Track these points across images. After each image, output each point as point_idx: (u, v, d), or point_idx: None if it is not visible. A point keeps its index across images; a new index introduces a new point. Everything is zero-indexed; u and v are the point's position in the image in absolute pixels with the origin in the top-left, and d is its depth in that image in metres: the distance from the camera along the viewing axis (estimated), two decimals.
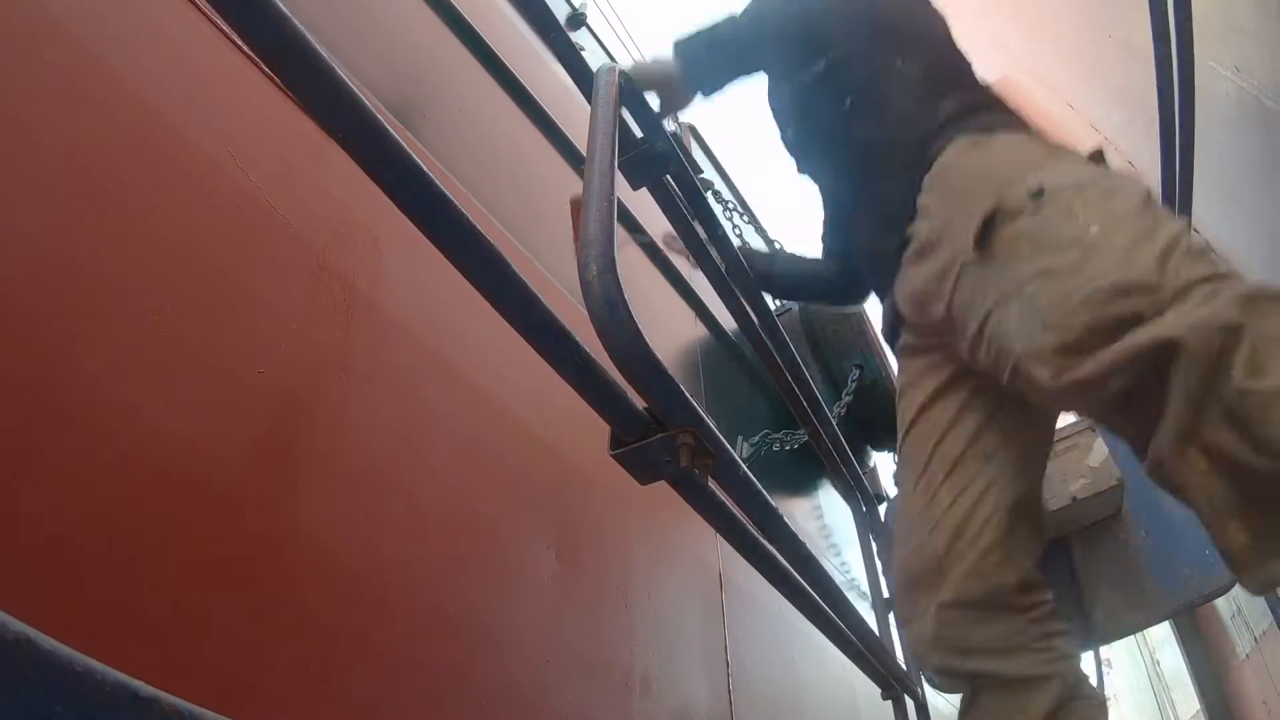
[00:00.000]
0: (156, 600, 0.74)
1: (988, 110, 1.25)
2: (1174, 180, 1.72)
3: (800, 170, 1.59)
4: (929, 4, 1.46)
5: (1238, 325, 0.77)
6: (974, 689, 1.18)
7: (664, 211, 1.29)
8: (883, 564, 2.26)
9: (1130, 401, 0.84)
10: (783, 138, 1.62)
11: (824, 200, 1.60)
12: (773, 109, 1.63)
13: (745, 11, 1.50)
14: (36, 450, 0.69)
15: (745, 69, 1.56)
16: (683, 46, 1.49)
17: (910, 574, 1.26)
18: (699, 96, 1.53)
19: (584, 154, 0.81)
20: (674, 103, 1.51)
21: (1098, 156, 1.11)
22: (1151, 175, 1.89)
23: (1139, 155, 2.74)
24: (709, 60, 1.50)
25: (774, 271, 1.75)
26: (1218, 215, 2.31)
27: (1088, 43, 2.80)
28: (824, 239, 1.67)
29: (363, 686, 0.91)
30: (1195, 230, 1.78)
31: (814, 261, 1.73)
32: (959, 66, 1.36)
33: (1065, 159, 1.08)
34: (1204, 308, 0.79)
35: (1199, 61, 1.55)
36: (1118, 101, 2.80)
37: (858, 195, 1.39)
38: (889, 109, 1.29)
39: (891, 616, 2.18)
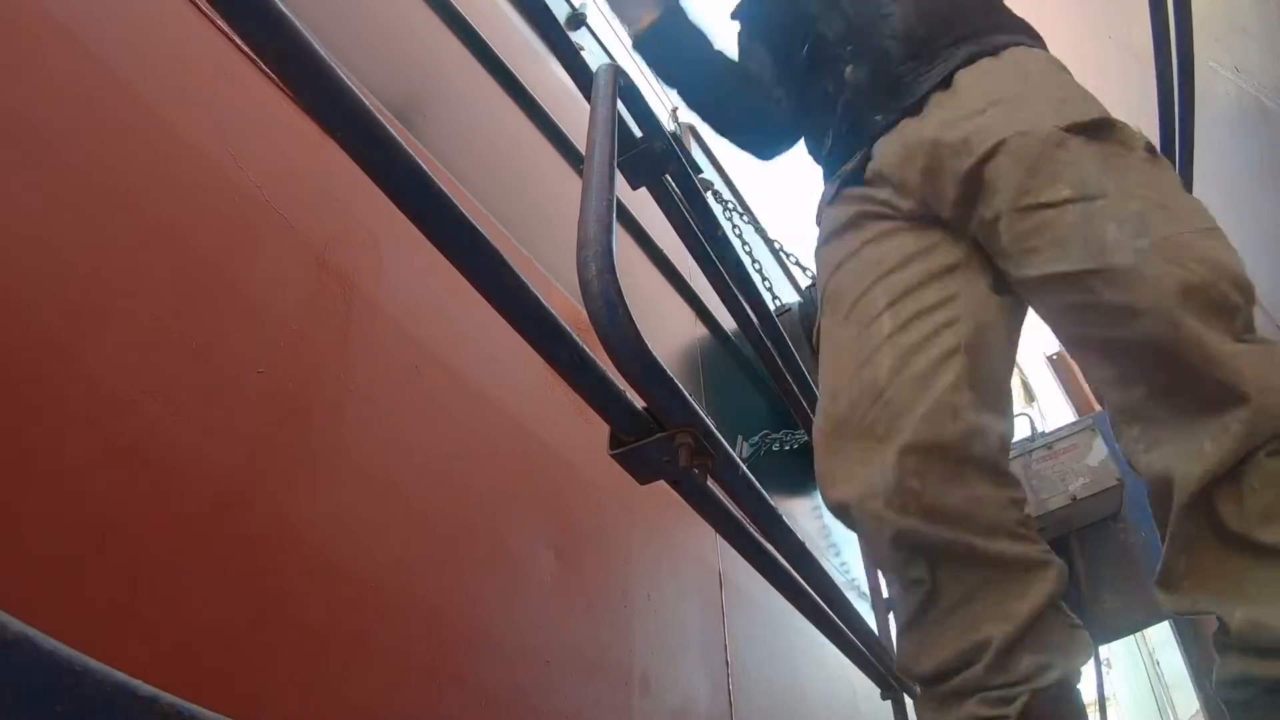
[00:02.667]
0: (156, 600, 0.74)
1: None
2: None
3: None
4: None
5: None
6: (934, 575, 0.93)
7: (664, 212, 1.29)
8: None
9: (1172, 389, 0.82)
10: None
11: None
12: None
13: None
14: (36, 450, 0.69)
15: None
16: None
17: (838, 417, 1.00)
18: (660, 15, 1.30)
19: (583, 153, 0.81)
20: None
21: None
22: None
23: None
24: None
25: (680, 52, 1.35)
26: (1218, 215, 2.31)
27: (1088, 43, 2.80)
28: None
29: (361, 687, 0.91)
30: None
31: (728, 60, 1.38)
32: None
33: None
34: (1268, 365, 0.79)
35: (1199, 62, 1.55)
36: (1118, 102, 2.79)
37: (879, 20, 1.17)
38: None
39: (891, 617, 2.19)
